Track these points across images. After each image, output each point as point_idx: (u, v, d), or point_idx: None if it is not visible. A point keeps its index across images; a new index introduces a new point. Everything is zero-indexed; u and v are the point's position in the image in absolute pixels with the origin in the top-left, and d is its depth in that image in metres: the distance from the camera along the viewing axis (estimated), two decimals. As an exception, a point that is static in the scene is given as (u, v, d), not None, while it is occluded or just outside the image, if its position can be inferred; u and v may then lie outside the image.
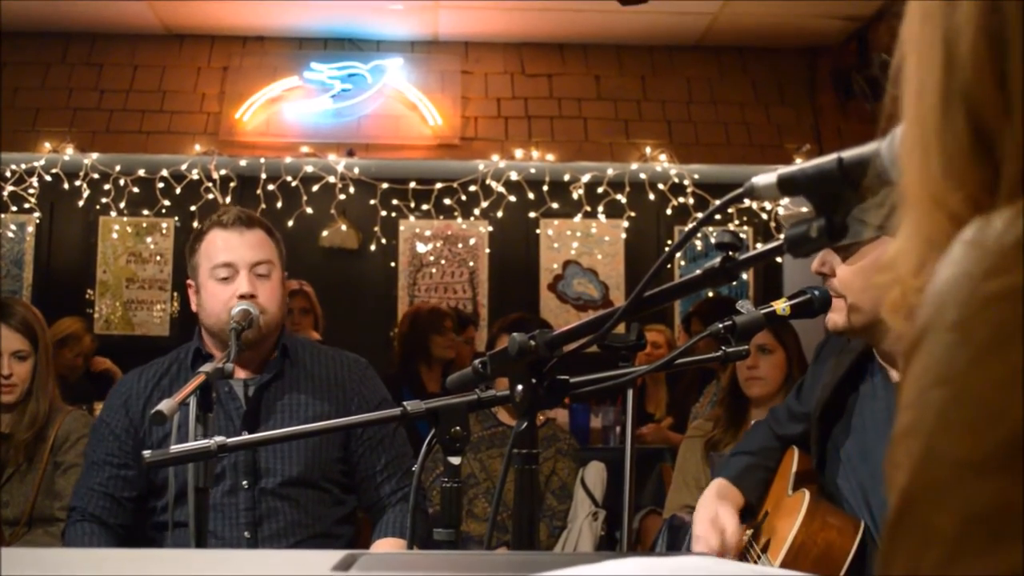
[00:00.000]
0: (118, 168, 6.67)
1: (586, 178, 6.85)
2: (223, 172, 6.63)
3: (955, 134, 0.64)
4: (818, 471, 2.30)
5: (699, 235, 7.12)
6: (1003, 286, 0.55)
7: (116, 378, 5.78)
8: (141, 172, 6.70)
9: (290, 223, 6.70)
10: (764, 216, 7.21)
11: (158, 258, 7.30)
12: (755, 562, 2.30)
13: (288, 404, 2.71)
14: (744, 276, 7.36)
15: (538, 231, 7.45)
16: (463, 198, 6.92)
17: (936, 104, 0.66)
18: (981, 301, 0.55)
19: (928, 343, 0.58)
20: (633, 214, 7.12)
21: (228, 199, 6.61)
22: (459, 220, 7.30)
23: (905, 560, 0.56)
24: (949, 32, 0.66)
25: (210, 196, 6.61)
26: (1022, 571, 0.50)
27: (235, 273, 2.67)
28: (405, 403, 1.74)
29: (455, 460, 1.69)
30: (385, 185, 6.89)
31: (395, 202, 7.02)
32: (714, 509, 2.37)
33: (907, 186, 0.67)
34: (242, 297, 2.62)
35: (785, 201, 6.82)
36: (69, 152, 6.46)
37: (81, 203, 6.72)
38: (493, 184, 6.74)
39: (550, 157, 6.65)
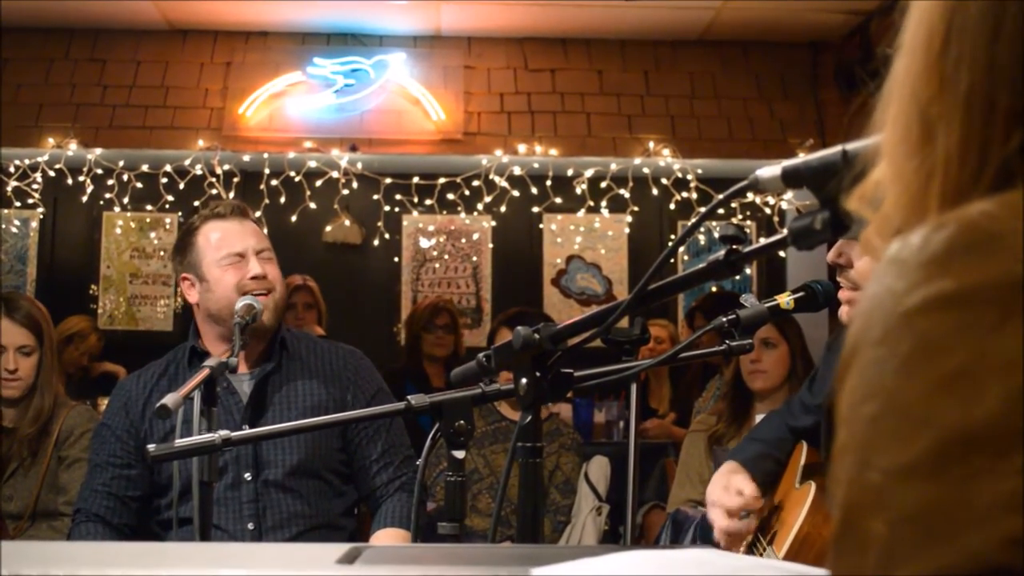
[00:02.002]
0: (121, 163, 6.67)
1: (589, 173, 6.84)
2: (226, 167, 6.63)
3: (910, 123, 0.68)
4: (827, 463, 2.30)
5: (702, 230, 7.11)
6: (923, 298, 0.57)
7: (118, 376, 5.78)
8: (144, 167, 6.70)
9: (293, 218, 6.69)
10: (767, 211, 7.20)
11: (162, 253, 7.29)
12: (761, 554, 2.30)
13: (286, 396, 2.74)
14: (747, 270, 7.36)
15: (541, 226, 7.45)
16: (466, 193, 6.91)
17: (902, 92, 0.70)
18: (904, 315, 0.58)
19: (858, 360, 0.60)
20: (636, 209, 7.11)
21: (231, 194, 6.61)
22: (462, 215, 7.29)
23: (847, 567, 0.58)
24: (915, 27, 0.71)
25: (213, 191, 6.60)
26: (952, 569, 0.52)
27: (243, 259, 2.71)
28: (409, 397, 1.74)
29: (459, 454, 1.69)
30: (388, 180, 6.88)
31: (398, 197, 7.01)
32: (727, 478, 2.37)
33: (882, 145, 0.72)
34: (254, 278, 2.66)
35: (789, 195, 6.81)
36: (72, 147, 6.46)
37: (84, 198, 6.71)
38: (496, 179, 6.74)
39: (553, 152, 6.64)
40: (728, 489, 2.33)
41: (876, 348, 0.59)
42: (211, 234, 2.74)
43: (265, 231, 3.03)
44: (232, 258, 2.70)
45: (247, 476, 2.66)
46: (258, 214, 6.45)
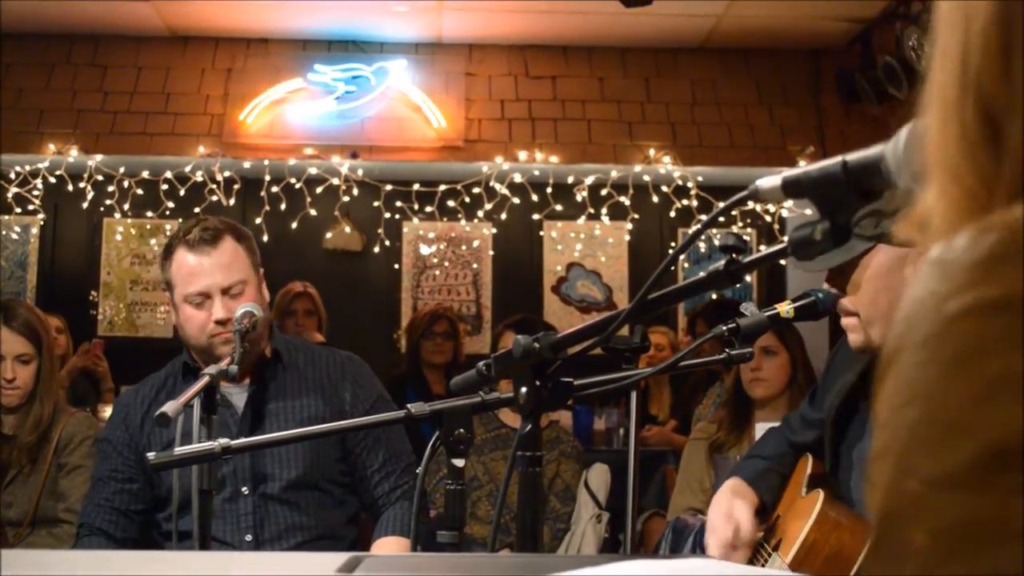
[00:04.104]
0: (122, 170, 6.67)
1: (590, 180, 6.85)
2: (227, 174, 6.64)
3: (966, 119, 0.65)
4: (831, 475, 2.30)
5: (703, 238, 7.12)
6: (967, 303, 0.56)
7: (103, 378, 5.72)
8: (145, 174, 6.70)
9: (294, 225, 6.70)
10: (768, 219, 7.21)
11: (162, 260, 7.29)
12: (765, 561, 2.30)
13: (284, 408, 2.71)
14: (748, 278, 7.36)
15: (542, 233, 7.45)
16: (467, 200, 6.91)
17: (954, 88, 0.66)
18: (947, 319, 0.56)
19: (899, 363, 0.59)
20: (637, 216, 7.11)
21: (232, 201, 6.61)
22: (463, 222, 7.30)
23: None
24: (967, 19, 0.66)
25: (214, 198, 6.61)
26: None
27: (207, 299, 2.63)
28: (409, 405, 1.74)
29: (459, 462, 1.68)
30: (389, 187, 6.89)
31: (399, 204, 7.02)
32: (730, 504, 2.36)
33: (928, 156, 0.68)
34: (218, 322, 2.60)
35: (789, 204, 6.81)
36: (73, 154, 6.47)
37: (85, 205, 6.72)
38: (497, 186, 6.74)
39: (554, 159, 6.65)
40: (729, 519, 2.33)
41: (918, 352, 0.57)
42: (181, 264, 2.66)
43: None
44: (196, 298, 2.63)
45: (244, 490, 2.64)
46: (258, 221, 6.45)
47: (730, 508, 2.35)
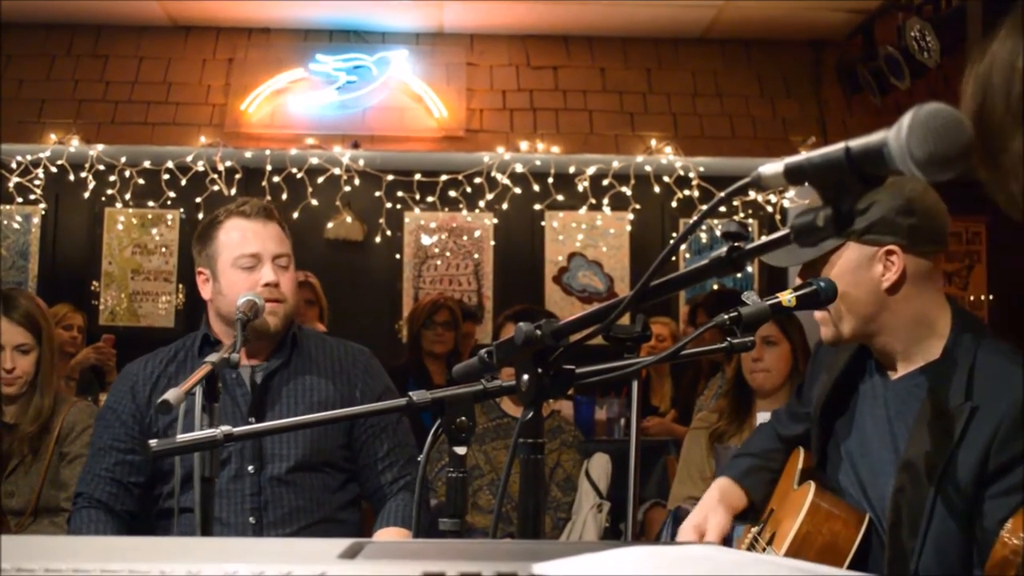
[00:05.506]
0: (123, 159, 6.67)
1: (591, 170, 6.84)
2: (228, 164, 6.64)
3: None
4: (819, 469, 2.31)
5: (704, 228, 7.11)
6: None
7: (110, 372, 5.70)
8: (146, 163, 6.71)
9: (295, 215, 6.69)
10: (769, 208, 7.20)
11: (163, 249, 7.30)
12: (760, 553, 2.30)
13: (293, 390, 2.74)
14: (749, 268, 7.36)
15: (543, 223, 7.45)
16: (468, 190, 6.91)
17: None
18: None
19: None
20: (638, 206, 7.11)
21: (233, 191, 6.61)
22: (464, 212, 7.29)
23: None
24: None
25: (215, 188, 6.61)
26: None
27: (259, 263, 2.70)
28: (411, 393, 1.74)
29: (460, 450, 1.68)
30: (390, 177, 6.89)
31: (400, 194, 7.01)
32: (705, 515, 2.37)
33: None
34: (267, 285, 2.66)
35: (791, 193, 6.81)
36: (74, 143, 6.46)
37: (86, 194, 6.72)
38: (498, 176, 6.74)
39: (555, 149, 6.64)
40: (696, 530, 2.33)
41: None
42: (232, 232, 2.72)
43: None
44: (247, 260, 2.68)
45: (250, 469, 2.66)
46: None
47: (702, 520, 2.35)
